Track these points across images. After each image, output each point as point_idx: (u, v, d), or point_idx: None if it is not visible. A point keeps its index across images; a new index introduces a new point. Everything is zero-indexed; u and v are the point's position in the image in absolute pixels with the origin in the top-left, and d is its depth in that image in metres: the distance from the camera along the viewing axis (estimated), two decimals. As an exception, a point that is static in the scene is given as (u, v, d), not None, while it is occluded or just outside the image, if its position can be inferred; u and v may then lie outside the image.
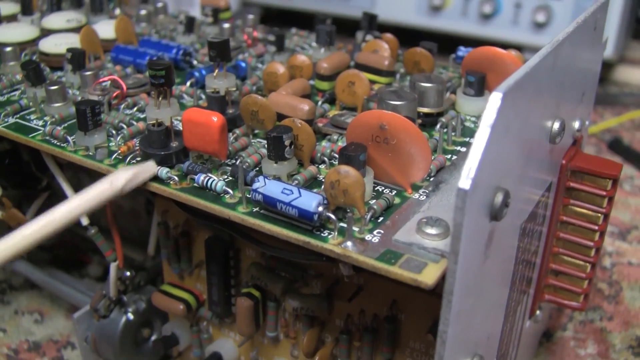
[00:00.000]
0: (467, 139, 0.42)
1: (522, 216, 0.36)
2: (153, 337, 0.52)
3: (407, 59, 0.49)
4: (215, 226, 0.40)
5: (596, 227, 0.43)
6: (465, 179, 0.27)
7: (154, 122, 0.38)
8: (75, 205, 0.34)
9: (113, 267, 0.46)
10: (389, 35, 0.52)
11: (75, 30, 0.56)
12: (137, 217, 0.60)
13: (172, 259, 0.46)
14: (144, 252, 0.53)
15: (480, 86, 0.44)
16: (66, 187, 0.44)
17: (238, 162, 0.38)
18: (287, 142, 0.36)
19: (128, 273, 0.49)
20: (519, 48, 1.00)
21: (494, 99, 0.29)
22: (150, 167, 0.36)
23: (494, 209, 0.30)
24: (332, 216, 0.32)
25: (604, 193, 0.42)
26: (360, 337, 0.40)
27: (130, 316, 0.49)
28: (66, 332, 0.58)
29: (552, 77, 0.36)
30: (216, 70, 0.41)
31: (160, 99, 0.37)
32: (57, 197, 0.54)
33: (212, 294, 0.44)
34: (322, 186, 0.36)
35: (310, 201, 0.32)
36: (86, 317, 0.50)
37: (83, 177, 0.57)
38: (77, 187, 0.40)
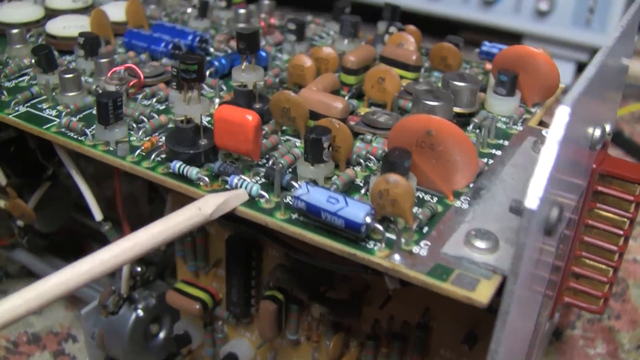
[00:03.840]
0: (501, 142, 0.41)
1: (563, 224, 0.36)
2: (162, 333, 0.50)
3: (434, 53, 0.47)
4: (253, 232, 0.38)
5: (621, 232, 0.42)
6: (532, 198, 0.26)
7: (183, 118, 0.36)
8: (159, 230, 0.32)
9: (126, 265, 0.44)
10: (412, 27, 0.51)
11: (81, 11, 0.54)
12: (135, 203, 0.58)
13: (188, 256, 0.44)
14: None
15: (512, 86, 0.43)
16: (80, 182, 0.42)
17: (271, 163, 0.36)
18: (325, 145, 0.34)
19: (139, 268, 0.47)
20: (520, 36, 0.99)
21: (562, 114, 0.27)
22: (241, 196, 0.34)
23: (549, 224, 0.29)
24: (380, 227, 0.31)
25: (632, 198, 0.42)
26: (388, 344, 0.39)
27: (140, 313, 0.48)
28: (66, 324, 0.56)
29: (601, 85, 0.35)
30: (244, 63, 0.39)
31: (189, 93, 0.35)
32: (61, 185, 0.52)
33: (231, 294, 0.43)
34: (366, 192, 0.34)
35: (358, 212, 0.30)
36: (93, 313, 0.48)
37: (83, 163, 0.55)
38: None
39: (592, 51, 0.97)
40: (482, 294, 0.29)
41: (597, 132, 0.36)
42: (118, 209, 0.43)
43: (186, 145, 0.36)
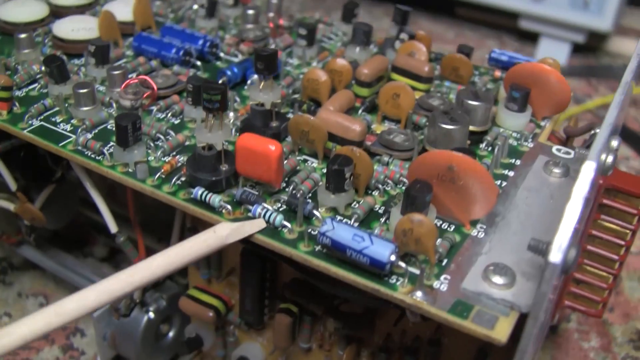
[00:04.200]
0: (513, 160, 0.41)
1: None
2: (171, 332, 0.51)
3: (446, 64, 0.48)
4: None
5: (623, 243, 0.44)
6: (556, 253, 0.27)
7: (204, 145, 0.36)
8: (175, 255, 0.32)
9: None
10: (422, 33, 0.51)
11: (87, 7, 0.53)
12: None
13: (201, 264, 0.45)
14: (159, 240, 0.52)
15: (524, 102, 0.43)
16: (95, 195, 0.42)
17: (291, 188, 0.37)
18: (347, 175, 0.35)
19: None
20: (516, 15, 0.99)
21: (587, 171, 0.28)
22: (259, 223, 0.34)
23: (567, 265, 0.30)
24: (403, 265, 0.32)
25: (635, 211, 0.43)
26: (400, 358, 0.41)
27: (152, 315, 0.48)
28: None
29: (618, 115, 0.35)
30: (262, 83, 0.39)
31: (212, 120, 0.35)
32: (68, 183, 0.52)
33: (245, 304, 0.44)
34: (386, 220, 0.35)
35: (383, 251, 0.31)
36: (105, 315, 0.49)
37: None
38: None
39: (589, 33, 0.97)
40: (501, 332, 0.30)
41: (610, 159, 0.37)
42: (132, 222, 0.43)
43: (207, 171, 0.36)
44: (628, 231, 0.43)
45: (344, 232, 0.32)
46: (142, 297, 0.47)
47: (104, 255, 0.62)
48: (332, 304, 0.41)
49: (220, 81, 0.45)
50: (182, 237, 0.48)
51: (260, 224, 0.35)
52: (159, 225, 0.49)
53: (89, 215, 0.59)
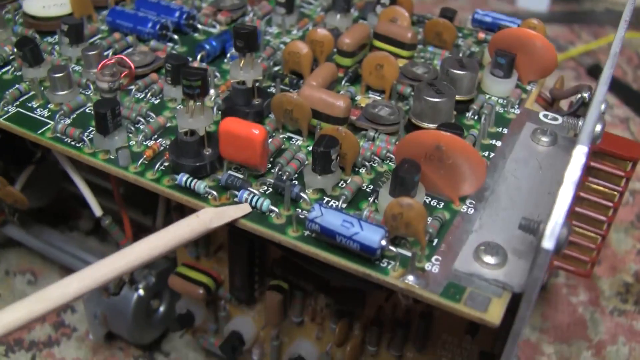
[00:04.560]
0: (500, 129, 0.41)
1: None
2: (162, 307, 0.51)
3: (429, 29, 0.47)
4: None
5: (611, 204, 0.44)
6: (549, 239, 0.27)
7: (186, 130, 0.35)
8: (159, 240, 0.32)
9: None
10: (404, -5, 0.49)
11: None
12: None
13: (189, 243, 0.44)
14: (145, 213, 0.52)
15: (509, 68, 0.43)
16: (78, 180, 0.41)
17: (277, 170, 0.36)
18: (334, 156, 0.34)
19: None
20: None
21: (579, 156, 0.28)
22: (244, 207, 0.34)
23: (559, 245, 0.30)
24: (394, 249, 0.31)
25: (623, 173, 0.43)
26: (391, 329, 0.41)
27: (141, 292, 0.48)
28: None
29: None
30: (242, 60, 0.38)
31: (193, 106, 0.35)
32: (49, 166, 0.51)
33: (234, 280, 0.44)
34: (374, 200, 0.35)
35: (373, 236, 0.31)
36: (95, 294, 0.49)
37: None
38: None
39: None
40: (494, 314, 0.30)
41: (598, 128, 0.36)
42: (117, 203, 0.43)
43: (190, 156, 0.35)
44: (616, 193, 0.43)
45: (333, 218, 0.32)
46: (130, 275, 0.47)
47: (90, 228, 0.61)
48: (323, 280, 0.41)
49: (198, 56, 0.44)
50: (167, 215, 0.47)
51: (245, 208, 0.34)
52: (144, 197, 0.48)
53: (72, 190, 0.58)
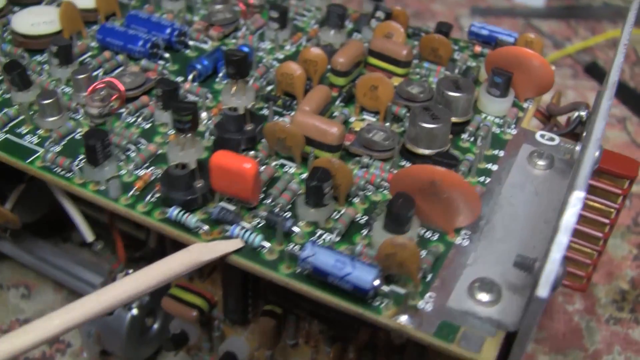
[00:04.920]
0: (496, 152, 0.40)
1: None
2: (156, 324, 0.51)
3: (424, 45, 0.46)
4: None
5: (608, 221, 0.44)
6: (544, 288, 0.26)
7: (178, 163, 0.35)
8: (150, 275, 0.32)
9: (120, 278, 0.44)
10: (398, 9, 0.48)
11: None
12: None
13: (182, 265, 0.44)
14: (139, 226, 0.51)
15: (506, 87, 0.42)
16: (68, 206, 0.41)
17: (270, 202, 0.36)
18: (326, 190, 0.34)
19: (131, 271, 0.47)
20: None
21: (575, 202, 0.27)
22: (235, 243, 0.34)
23: (557, 282, 0.30)
24: (386, 288, 0.31)
25: (620, 191, 0.42)
26: (386, 354, 0.41)
27: (135, 311, 0.48)
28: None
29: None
30: (234, 87, 0.38)
31: (184, 140, 0.34)
32: (40, 183, 0.50)
33: (228, 304, 0.43)
34: (368, 232, 0.34)
35: (366, 276, 0.30)
36: (89, 314, 0.48)
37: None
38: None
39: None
40: (487, 355, 0.30)
41: (597, 154, 0.36)
42: (109, 226, 0.42)
43: (182, 189, 0.35)
44: (612, 210, 0.43)
45: (326, 257, 0.31)
46: (124, 297, 0.46)
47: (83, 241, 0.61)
48: (316, 306, 0.41)
49: (190, 76, 0.43)
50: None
51: (236, 243, 0.34)
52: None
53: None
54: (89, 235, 0.42)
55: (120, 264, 0.44)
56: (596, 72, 0.83)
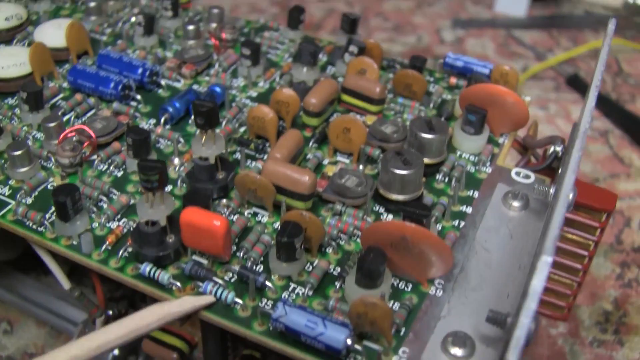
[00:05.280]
0: (470, 193, 0.40)
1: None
2: (139, 360, 0.51)
3: (398, 80, 0.46)
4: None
5: (586, 253, 0.44)
6: (513, 354, 0.26)
7: (147, 221, 0.34)
8: (116, 332, 0.33)
9: (99, 323, 0.43)
10: (371, 42, 0.48)
11: (16, 29, 0.50)
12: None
13: (160, 308, 0.44)
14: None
15: (480, 124, 0.42)
16: (43, 255, 0.40)
17: (242, 255, 0.35)
18: (298, 245, 0.34)
19: (110, 312, 0.47)
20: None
21: (543, 268, 0.27)
22: (206, 299, 0.34)
23: (527, 340, 0.30)
24: (360, 348, 0.31)
25: (598, 225, 0.42)
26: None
27: (116, 352, 0.48)
28: (40, 343, 0.56)
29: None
30: (203, 137, 0.37)
31: (152, 198, 0.34)
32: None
33: (207, 347, 0.43)
34: (341, 285, 0.34)
35: (338, 336, 0.30)
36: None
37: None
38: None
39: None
40: (462, 413, 0.30)
41: (571, 196, 0.36)
42: (89, 274, 0.42)
43: (153, 246, 0.35)
44: (591, 242, 0.43)
45: (297, 317, 0.31)
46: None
47: (66, 272, 0.60)
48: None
49: (162, 119, 0.43)
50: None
51: (208, 299, 0.34)
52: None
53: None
54: (65, 283, 0.41)
55: (99, 310, 0.43)
56: (578, 84, 0.83)
